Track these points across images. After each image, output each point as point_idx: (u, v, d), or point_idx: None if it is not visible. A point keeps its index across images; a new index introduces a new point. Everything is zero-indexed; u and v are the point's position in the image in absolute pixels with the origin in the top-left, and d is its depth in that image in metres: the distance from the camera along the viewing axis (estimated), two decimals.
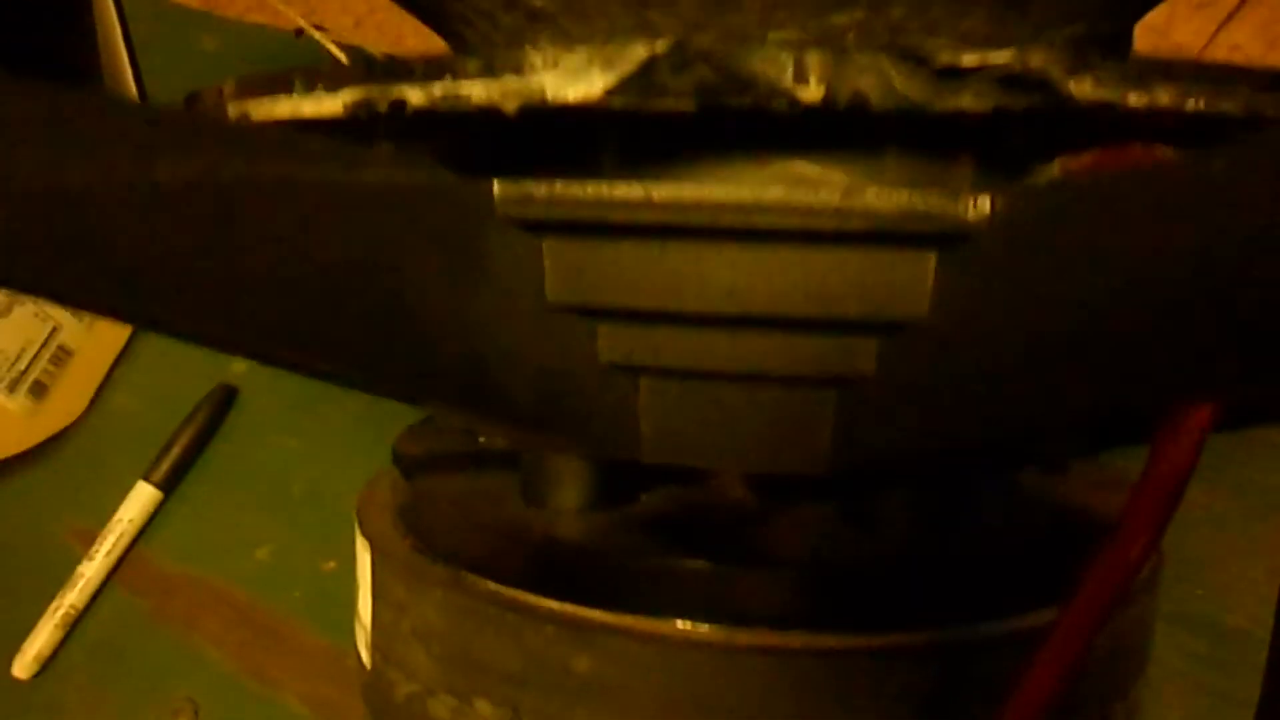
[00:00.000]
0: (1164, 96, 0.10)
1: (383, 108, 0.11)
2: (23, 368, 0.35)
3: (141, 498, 0.36)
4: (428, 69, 0.11)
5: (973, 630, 0.14)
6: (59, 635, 0.36)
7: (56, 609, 0.36)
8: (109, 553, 0.36)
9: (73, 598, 0.36)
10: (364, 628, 0.18)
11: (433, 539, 0.17)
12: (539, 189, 0.11)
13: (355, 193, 0.10)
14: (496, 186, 0.11)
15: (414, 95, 0.11)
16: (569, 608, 0.14)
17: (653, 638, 0.14)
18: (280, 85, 0.12)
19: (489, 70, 0.10)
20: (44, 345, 0.35)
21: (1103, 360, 0.10)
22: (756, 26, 0.14)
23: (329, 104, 0.12)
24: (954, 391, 0.12)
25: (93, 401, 0.38)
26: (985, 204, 0.10)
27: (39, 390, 0.36)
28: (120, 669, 0.36)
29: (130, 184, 0.08)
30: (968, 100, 0.10)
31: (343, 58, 0.18)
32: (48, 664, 0.36)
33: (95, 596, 0.36)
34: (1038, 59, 0.10)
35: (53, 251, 0.09)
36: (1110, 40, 0.17)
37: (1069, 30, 0.16)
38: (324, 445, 0.35)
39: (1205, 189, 0.09)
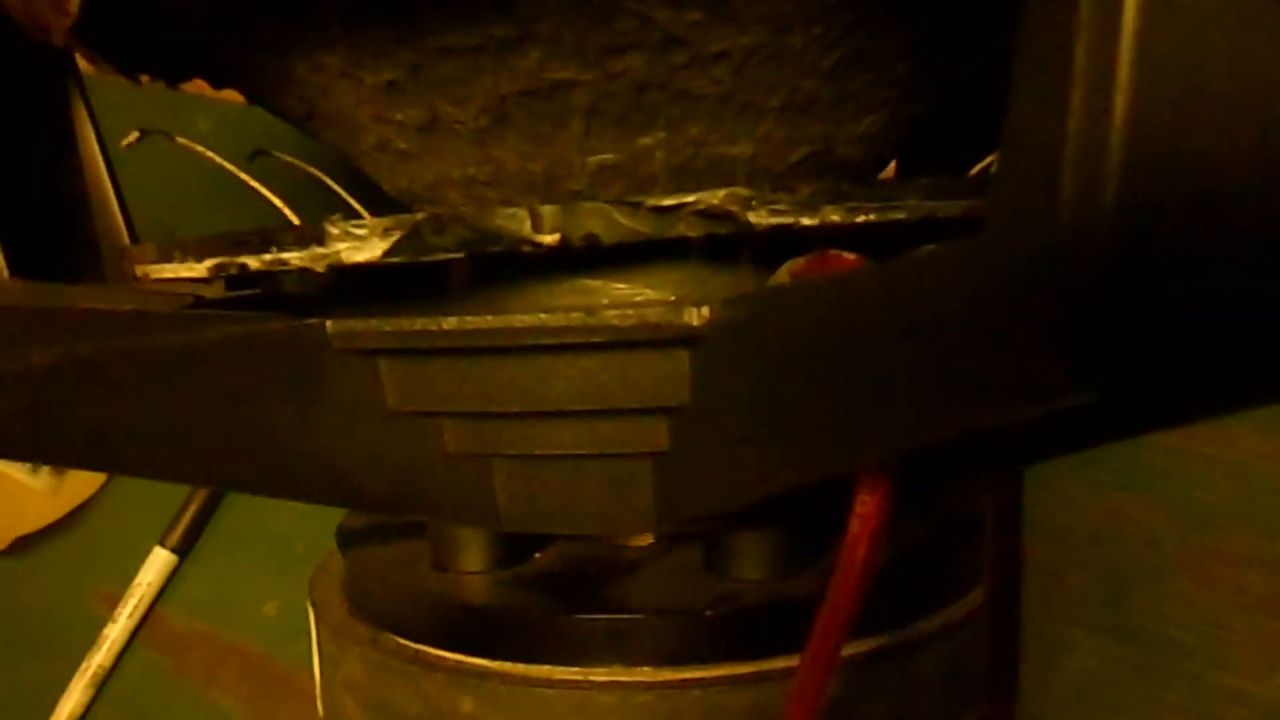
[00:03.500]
0: (834, 215, 0.13)
1: (233, 270, 0.15)
2: None
3: (159, 562, 0.41)
4: (261, 242, 0.15)
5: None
6: (89, 694, 0.41)
7: (86, 669, 0.41)
8: (131, 614, 0.41)
9: (100, 658, 0.41)
10: (315, 680, 0.22)
11: (360, 603, 0.21)
12: (366, 325, 0.15)
13: (199, 349, 0.14)
14: (329, 325, 0.15)
15: (252, 262, 0.15)
16: (454, 657, 0.18)
17: (522, 680, 0.18)
18: (164, 255, 0.16)
19: (301, 243, 0.14)
20: None
21: (812, 428, 0.13)
22: (576, 153, 0.18)
23: (197, 269, 0.16)
24: (728, 459, 0.15)
25: (109, 476, 0.44)
26: (706, 311, 0.14)
27: (59, 469, 0.42)
28: None
29: (11, 369, 0.13)
30: (683, 228, 0.14)
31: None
32: None
33: (120, 656, 0.41)
34: (718, 198, 0.13)
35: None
36: (914, 124, 0.20)
37: (868, 120, 0.19)
38: (321, 509, 0.40)
39: (862, 295, 0.13)
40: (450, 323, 0.15)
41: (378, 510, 0.17)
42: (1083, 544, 0.29)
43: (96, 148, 0.27)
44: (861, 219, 0.14)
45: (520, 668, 0.18)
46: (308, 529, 0.40)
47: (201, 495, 0.41)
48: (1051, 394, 0.09)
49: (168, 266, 0.16)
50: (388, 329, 0.15)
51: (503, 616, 0.18)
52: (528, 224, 0.14)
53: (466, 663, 0.18)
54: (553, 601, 0.18)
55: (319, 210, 0.24)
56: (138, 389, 0.14)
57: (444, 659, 0.18)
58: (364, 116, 0.19)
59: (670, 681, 0.17)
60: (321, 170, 0.25)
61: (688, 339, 0.14)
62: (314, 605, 0.22)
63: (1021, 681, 0.17)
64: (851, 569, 0.13)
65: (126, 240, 0.27)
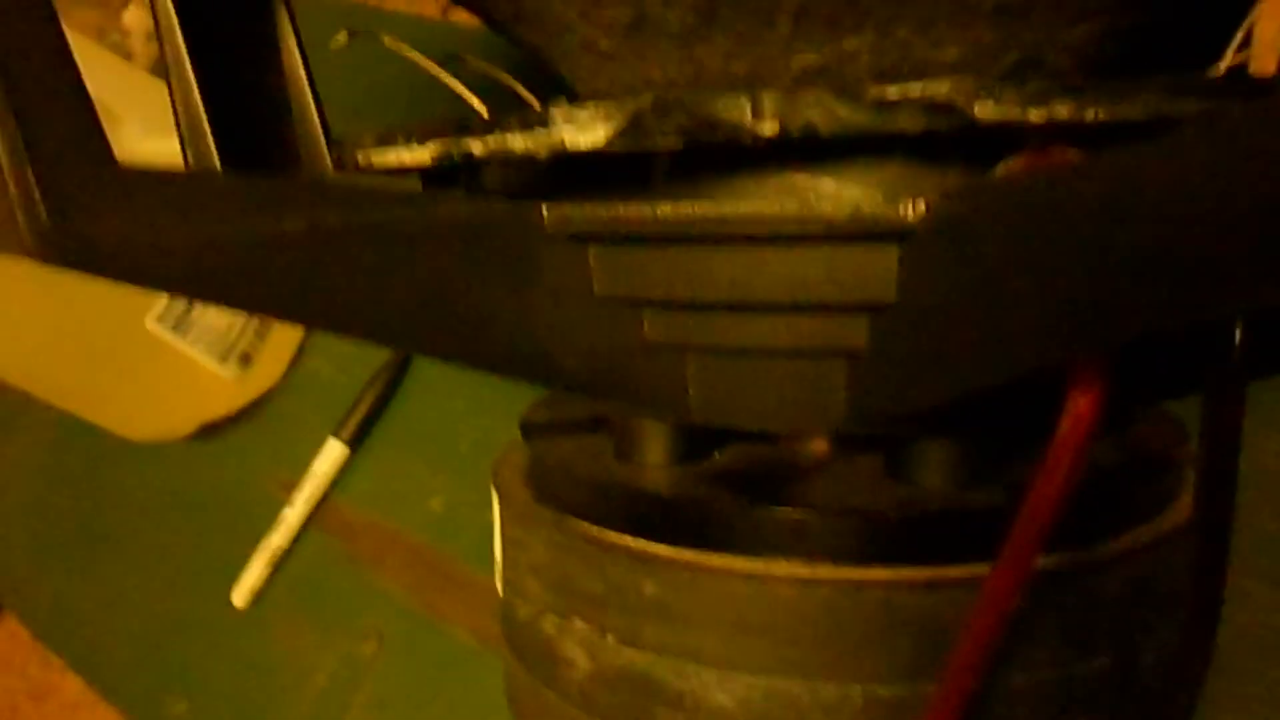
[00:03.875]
0: (1062, 111, 0.13)
1: (456, 155, 0.16)
2: (231, 340, 0.43)
3: (332, 453, 0.44)
4: (485, 127, 0.15)
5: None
6: (267, 572, 0.45)
7: (265, 549, 0.45)
8: (307, 500, 0.44)
9: (278, 539, 0.44)
10: (496, 563, 0.24)
11: (544, 490, 0.22)
12: (579, 210, 0.16)
13: (428, 229, 0.15)
14: (545, 210, 0.16)
15: (475, 147, 0.16)
16: (637, 542, 0.19)
17: (703, 568, 0.18)
18: (388, 139, 0.17)
19: (526, 126, 0.15)
20: (248, 321, 0.43)
21: (1025, 324, 0.13)
22: (781, 54, 0.18)
23: (421, 154, 0.17)
24: (932, 358, 0.15)
25: (290, 368, 0.46)
26: (921, 206, 0.14)
27: (245, 360, 0.45)
28: (317, 601, 0.44)
29: (267, 235, 0.14)
30: (902, 122, 0.14)
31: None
32: (259, 595, 0.45)
33: (296, 539, 0.45)
34: (944, 89, 0.13)
35: (242, 283, 0.14)
36: (1133, 34, 0.19)
37: (1084, 27, 0.18)
38: (487, 406, 0.42)
39: (1093, 189, 0.13)
40: (664, 209, 0.15)
41: (578, 390, 0.17)
42: (1271, 487, 0.28)
43: (297, 51, 0.28)
44: (1092, 115, 0.13)
45: (702, 556, 0.18)
46: (472, 427, 0.42)
47: (374, 391, 0.44)
48: None
49: (391, 150, 0.17)
50: (601, 214, 0.15)
51: (686, 506, 0.19)
52: (748, 111, 0.14)
53: (650, 548, 0.19)
54: (735, 495, 0.19)
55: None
56: (375, 260, 0.15)
57: (627, 544, 0.19)
58: (571, 15, 0.19)
59: (850, 580, 0.18)
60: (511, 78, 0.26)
61: (901, 233, 0.14)
62: (498, 491, 0.23)
63: None
64: (1059, 470, 0.14)
65: (323, 140, 0.29)
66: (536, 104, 0.26)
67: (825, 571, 0.18)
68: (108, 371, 0.44)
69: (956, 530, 0.18)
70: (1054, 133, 0.14)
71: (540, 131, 0.15)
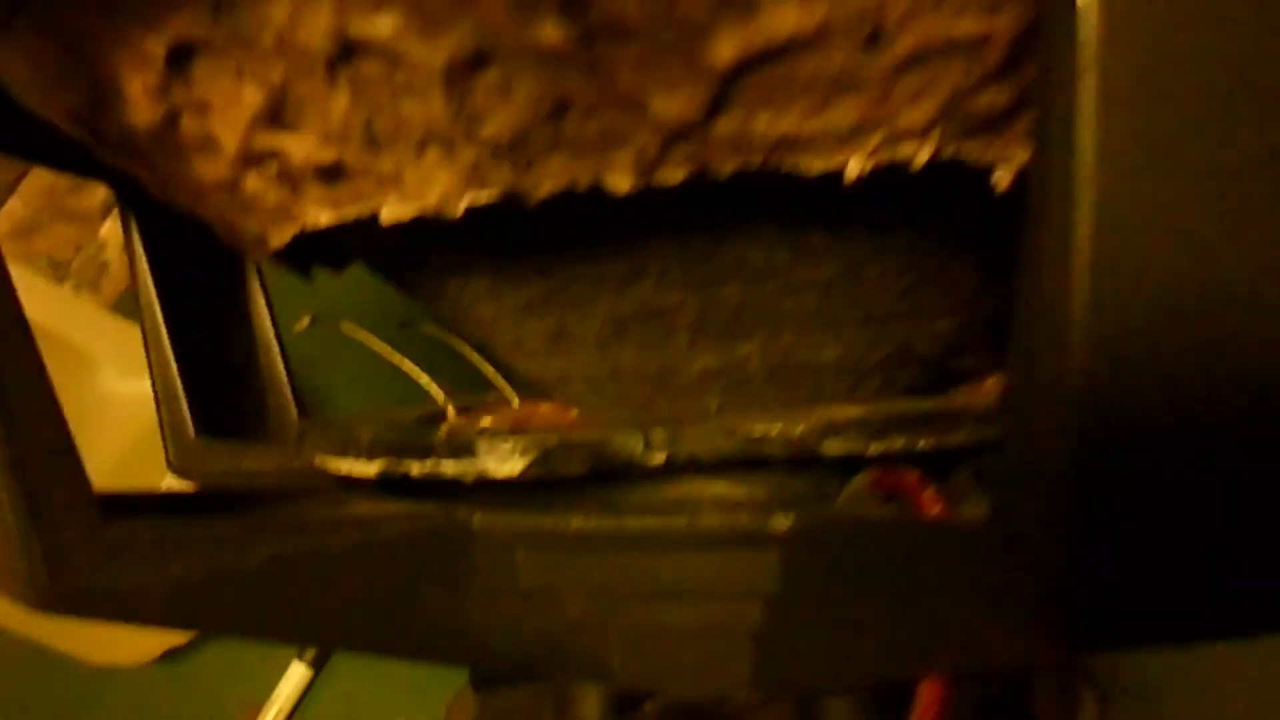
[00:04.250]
0: (898, 443, 0.16)
1: (397, 473, 0.19)
2: None
3: (296, 675, 0.45)
4: (420, 450, 0.18)
5: None
6: None
7: None
8: None
9: None
10: None
11: None
12: (506, 520, 0.18)
13: (374, 546, 0.17)
14: (475, 521, 0.18)
15: (414, 468, 0.18)
16: None
17: None
18: (340, 449, 0.20)
19: (454, 453, 0.18)
20: None
21: (874, 632, 0.16)
22: (683, 360, 0.21)
23: (368, 468, 0.19)
24: (818, 640, 0.18)
25: None
26: (786, 522, 0.17)
27: None
28: None
29: (232, 569, 0.16)
30: (769, 450, 0.17)
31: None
32: None
33: None
34: (798, 429, 0.16)
35: (216, 613, 0.16)
36: (995, 311, 0.23)
37: (943, 322, 0.22)
38: None
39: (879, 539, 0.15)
40: (577, 522, 0.18)
41: (512, 672, 0.19)
42: None
43: (269, 322, 0.31)
44: (922, 444, 0.16)
45: None
46: None
47: None
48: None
49: (343, 461, 0.20)
50: (524, 526, 0.18)
51: None
52: (641, 445, 0.17)
53: None
54: None
55: (459, 370, 0.27)
56: (327, 579, 0.17)
57: None
58: (503, 323, 0.23)
59: None
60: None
61: (775, 540, 0.17)
62: None
63: None
64: None
65: (292, 405, 0.32)
66: (485, 366, 0.29)
67: None
68: None
69: None
70: (892, 459, 0.17)
71: (467, 459, 0.18)
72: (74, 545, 0.15)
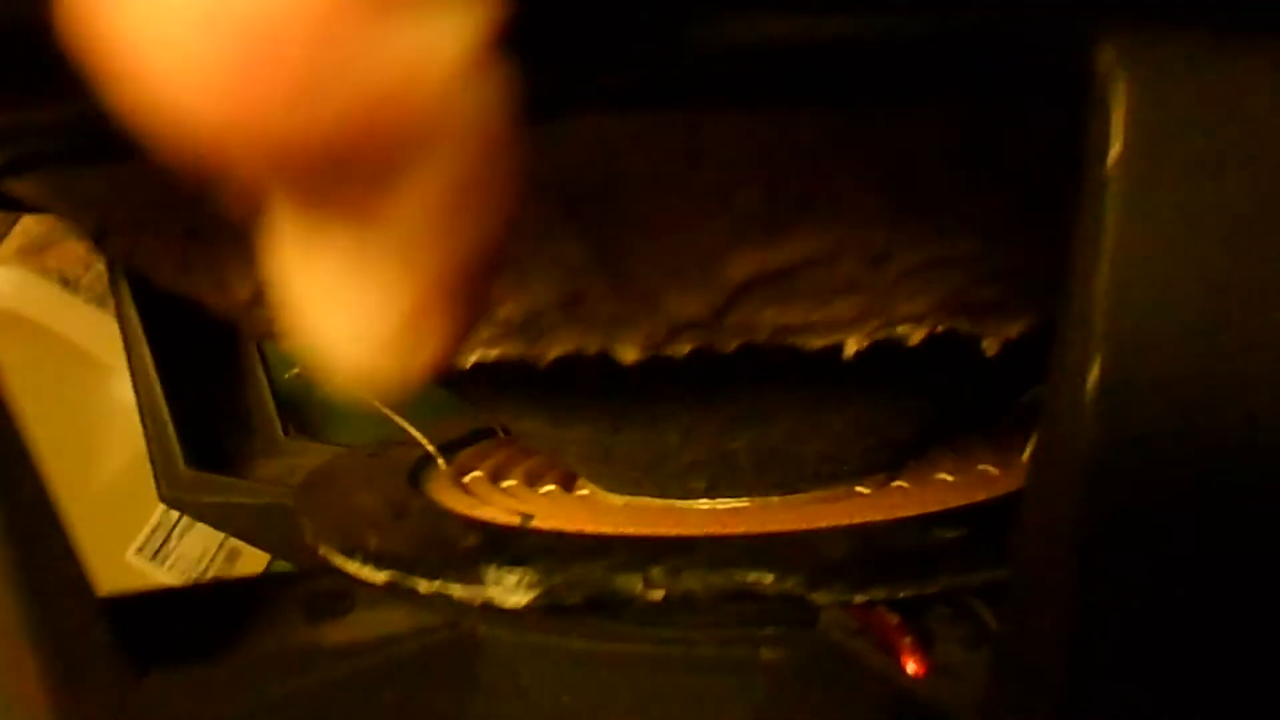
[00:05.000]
0: (880, 594, 0.18)
1: (405, 588, 0.20)
2: (204, 568, 0.46)
3: None
4: (430, 571, 0.19)
5: None
6: None
7: None
8: None
9: None
10: None
11: None
12: (510, 637, 0.19)
13: (389, 663, 0.19)
14: (480, 634, 0.20)
15: (422, 586, 0.19)
16: None
17: None
18: (348, 552, 0.21)
19: (463, 580, 0.19)
20: (219, 548, 0.46)
21: None
22: (675, 452, 0.22)
23: (376, 577, 0.20)
24: None
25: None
26: (772, 654, 0.18)
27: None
28: None
29: (257, 705, 0.17)
30: (763, 588, 0.18)
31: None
32: None
33: None
34: (789, 582, 0.18)
35: None
36: (963, 408, 0.24)
37: (910, 425, 0.23)
38: None
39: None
40: (578, 644, 0.19)
41: None
42: None
43: (261, 370, 0.32)
44: (902, 594, 0.18)
45: None
46: None
47: None
48: None
49: (350, 564, 0.21)
50: (528, 643, 0.19)
51: None
52: (640, 584, 0.18)
53: None
54: None
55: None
56: (345, 699, 0.18)
57: None
58: (505, 411, 0.23)
59: None
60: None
61: (763, 668, 0.18)
62: None
63: None
64: None
65: (278, 425, 0.33)
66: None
67: None
68: None
69: None
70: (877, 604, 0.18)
71: (475, 587, 0.19)
72: (113, 707, 0.16)
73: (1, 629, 0.16)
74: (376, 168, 0.07)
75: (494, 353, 0.17)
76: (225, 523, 0.32)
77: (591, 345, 0.17)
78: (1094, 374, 0.10)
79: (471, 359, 0.17)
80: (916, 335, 0.17)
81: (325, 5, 0.06)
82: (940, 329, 0.17)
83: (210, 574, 0.46)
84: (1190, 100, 0.09)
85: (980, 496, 0.21)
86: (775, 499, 0.23)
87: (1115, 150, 0.09)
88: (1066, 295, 0.10)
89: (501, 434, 0.30)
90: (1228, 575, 0.11)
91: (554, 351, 0.17)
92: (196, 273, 0.19)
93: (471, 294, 0.08)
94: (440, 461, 0.28)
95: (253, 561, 0.48)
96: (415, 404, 0.30)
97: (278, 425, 0.33)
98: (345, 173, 0.07)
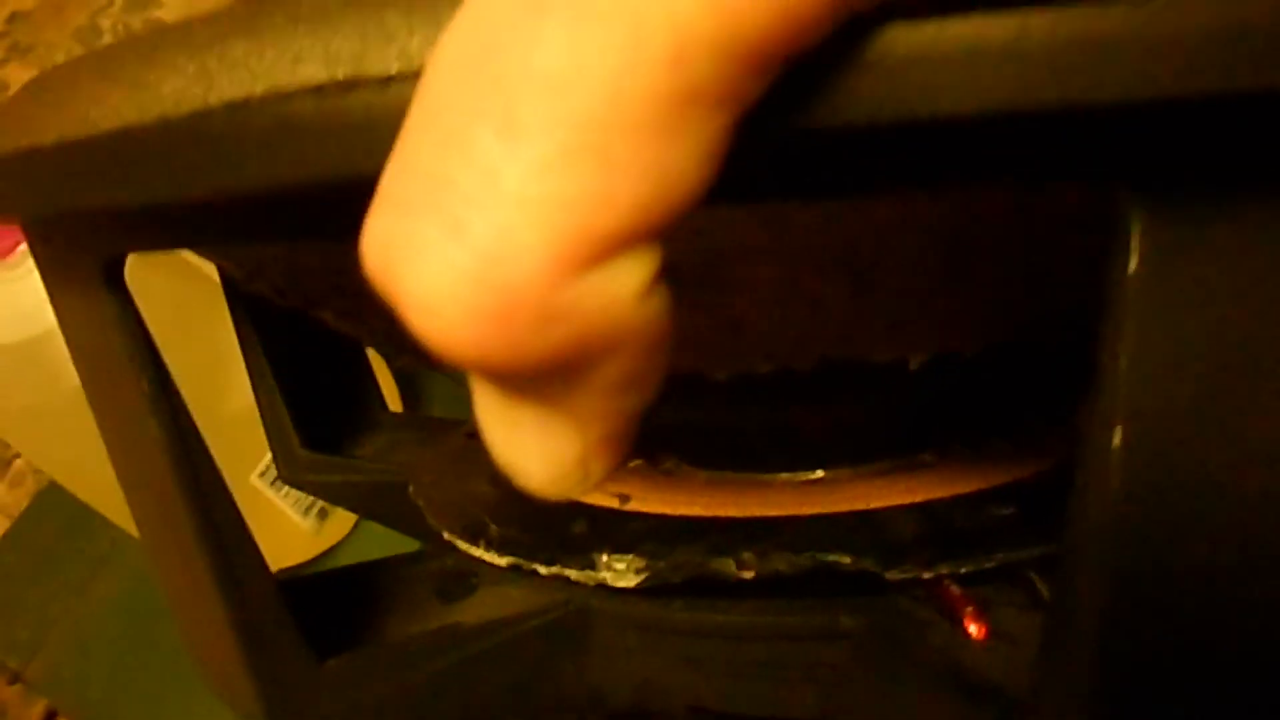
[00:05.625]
0: (944, 569, 0.20)
1: (525, 569, 0.23)
2: (309, 500, 0.50)
3: None
4: (549, 556, 0.22)
5: None
6: None
7: None
8: None
9: None
10: None
11: None
12: (617, 607, 0.22)
13: (519, 638, 0.22)
14: (594, 607, 0.23)
15: (541, 569, 0.22)
16: None
17: None
18: (473, 537, 0.24)
19: (579, 565, 0.22)
20: None
21: None
22: (758, 430, 0.25)
23: (499, 560, 0.23)
24: (876, 700, 0.22)
25: (356, 524, 0.53)
26: (850, 621, 0.21)
27: (323, 514, 0.52)
28: None
29: (412, 683, 0.20)
30: (842, 567, 0.21)
31: None
32: None
33: None
34: (867, 562, 0.20)
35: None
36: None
37: None
38: None
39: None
40: (680, 615, 0.22)
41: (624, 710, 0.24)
42: None
43: (364, 352, 0.35)
44: (963, 570, 0.20)
45: None
46: None
47: None
48: None
49: (475, 548, 0.24)
50: (637, 614, 0.22)
51: None
52: (734, 566, 0.21)
53: None
54: None
55: None
56: (481, 672, 0.21)
57: None
58: None
59: None
60: None
61: (843, 635, 0.21)
62: None
63: None
64: None
65: (381, 404, 0.36)
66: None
67: None
68: None
69: None
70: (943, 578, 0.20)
71: (589, 572, 0.22)
72: (295, 689, 0.19)
73: (205, 618, 0.20)
74: (570, 371, 0.09)
75: None
76: (341, 499, 0.35)
77: (682, 365, 0.19)
78: (1118, 436, 0.12)
79: None
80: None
81: (551, 274, 0.08)
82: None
83: (319, 507, 0.50)
84: (1200, 234, 0.11)
85: (1033, 469, 0.23)
86: (846, 471, 0.26)
87: (1133, 264, 0.11)
88: (1097, 371, 0.12)
89: None
90: (1239, 583, 0.14)
91: None
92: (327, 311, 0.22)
93: (627, 436, 0.11)
94: None
95: None
96: None
97: (380, 403, 0.36)
98: (547, 374, 0.09)
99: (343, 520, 0.52)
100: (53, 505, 0.65)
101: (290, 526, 0.51)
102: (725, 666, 0.23)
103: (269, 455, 0.48)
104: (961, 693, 0.20)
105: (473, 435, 0.32)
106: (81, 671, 0.60)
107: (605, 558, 0.22)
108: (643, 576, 0.21)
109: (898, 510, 0.22)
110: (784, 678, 0.23)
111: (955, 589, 0.20)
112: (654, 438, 0.28)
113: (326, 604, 0.22)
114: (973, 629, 0.20)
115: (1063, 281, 0.17)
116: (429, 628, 0.22)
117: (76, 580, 0.62)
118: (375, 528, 0.53)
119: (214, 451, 0.19)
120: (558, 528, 0.23)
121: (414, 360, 0.22)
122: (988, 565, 0.20)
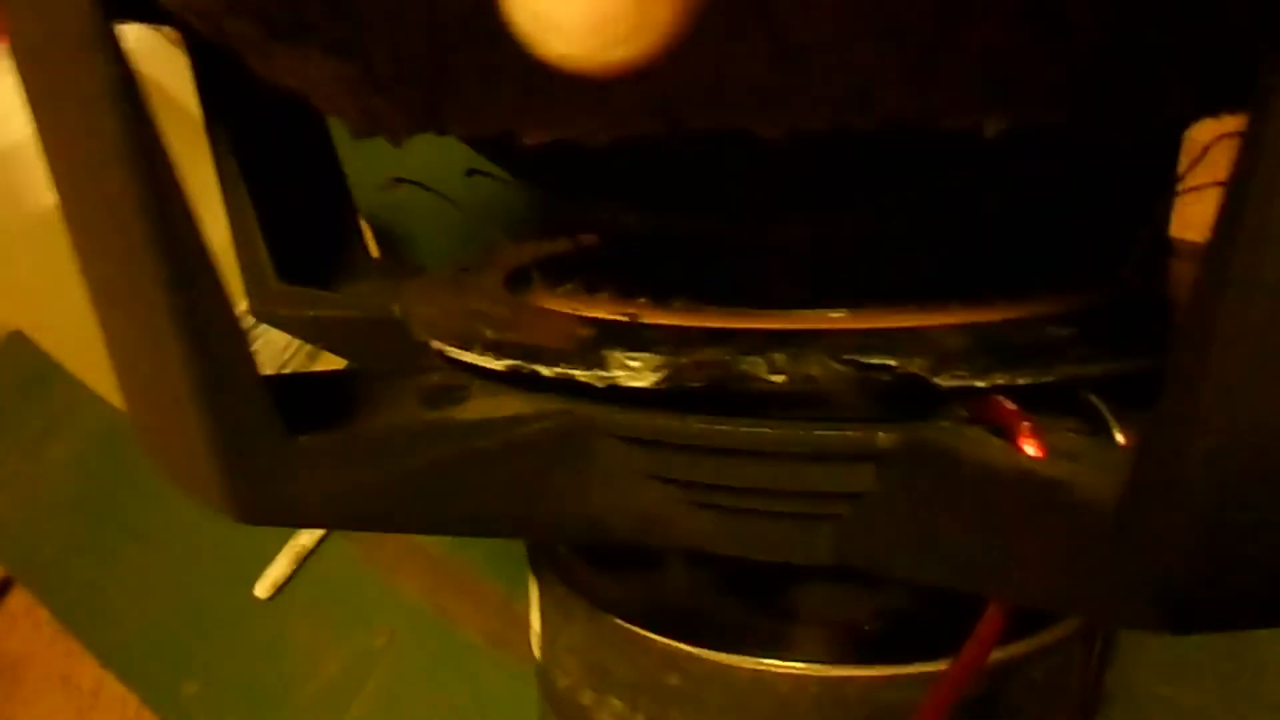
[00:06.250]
0: (1000, 379, 0.18)
1: (525, 372, 0.20)
2: (286, 359, 0.48)
3: None
4: (554, 357, 0.20)
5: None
6: (292, 567, 0.49)
7: (293, 545, 0.49)
8: None
9: (305, 539, 0.49)
10: (535, 633, 0.29)
11: (578, 584, 0.27)
12: (628, 419, 0.20)
13: (517, 443, 0.19)
14: (599, 419, 0.20)
15: (544, 371, 0.20)
16: (665, 641, 0.24)
17: (717, 665, 0.23)
18: (466, 344, 0.21)
19: (587, 364, 0.19)
20: (301, 345, 0.47)
21: (948, 553, 0.18)
22: (790, 247, 0.22)
23: (495, 364, 0.21)
24: (896, 540, 0.20)
25: None
26: (889, 439, 0.19)
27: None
28: (336, 599, 0.49)
29: (398, 472, 0.18)
30: (885, 379, 0.19)
31: None
32: (281, 589, 0.50)
33: (322, 540, 0.50)
34: (915, 365, 0.18)
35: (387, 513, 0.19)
36: None
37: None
38: None
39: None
40: (696, 426, 0.20)
41: (625, 542, 0.22)
42: None
43: (339, 165, 0.32)
44: (1022, 381, 0.18)
45: (717, 655, 0.23)
46: None
47: None
48: None
49: (468, 354, 0.22)
50: (643, 426, 0.20)
51: (705, 614, 0.24)
52: (765, 368, 0.19)
53: (675, 647, 0.24)
54: (745, 606, 0.24)
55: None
56: (475, 474, 0.19)
57: (655, 642, 0.24)
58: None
59: (834, 677, 0.23)
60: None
61: (871, 455, 0.19)
62: (536, 578, 0.28)
63: None
64: (971, 662, 0.19)
65: (366, 245, 0.33)
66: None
67: (814, 670, 0.23)
68: None
69: (917, 638, 0.23)
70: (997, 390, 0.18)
71: (598, 371, 0.19)
72: (265, 464, 0.17)
73: (172, 397, 0.17)
74: None
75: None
76: (317, 336, 0.32)
77: (733, 117, 0.17)
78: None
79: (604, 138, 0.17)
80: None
81: None
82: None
83: (291, 367, 0.48)
84: None
85: (1084, 300, 0.21)
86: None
87: None
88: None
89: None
90: None
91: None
92: None
93: None
94: (535, 273, 0.28)
95: (332, 361, 0.49)
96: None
97: (366, 247, 0.33)
98: None
99: None
100: (4, 366, 0.62)
101: None
102: (735, 496, 0.20)
103: (242, 306, 0.45)
104: (1010, 517, 0.18)
105: (465, 269, 0.30)
106: (33, 534, 0.57)
107: (618, 356, 0.19)
108: (660, 375, 0.19)
109: (949, 327, 0.20)
110: (799, 513, 0.21)
111: (1009, 404, 0.18)
112: (665, 277, 0.26)
113: (301, 395, 0.20)
114: (1029, 447, 0.18)
115: (1175, 64, 0.15)
116: (412, 425, 0.19)
117: (29, 442, 0.59)
118: None
119: None
120: (562, 334, 0.21)
121: (387, 108, 0.19)
122: (1047, 379, 0.18)
